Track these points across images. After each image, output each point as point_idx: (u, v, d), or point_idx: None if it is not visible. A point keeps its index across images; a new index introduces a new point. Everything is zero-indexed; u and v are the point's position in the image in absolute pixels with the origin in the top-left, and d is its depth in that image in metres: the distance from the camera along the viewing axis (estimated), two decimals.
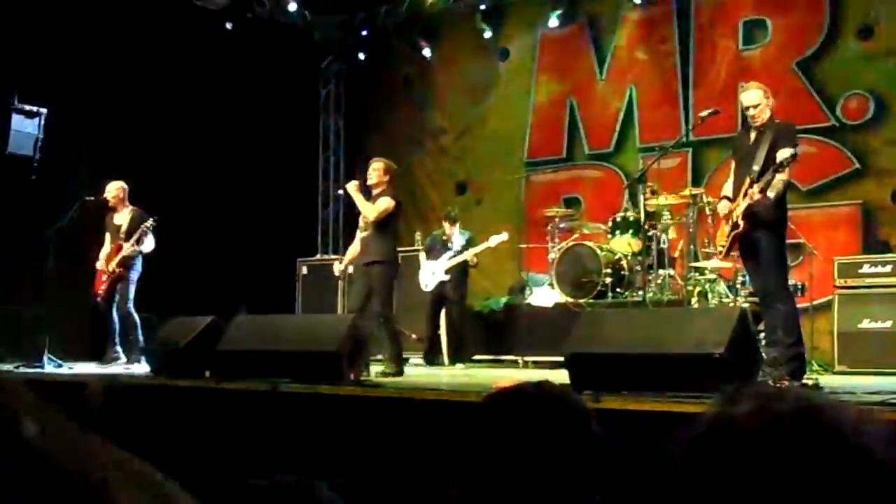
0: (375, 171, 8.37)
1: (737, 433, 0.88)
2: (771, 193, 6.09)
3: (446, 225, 10.39)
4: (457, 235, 10.30)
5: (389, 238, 8.30)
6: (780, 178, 6.11)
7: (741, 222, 6.22)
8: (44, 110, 9.93)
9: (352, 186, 8.34)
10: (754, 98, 6.42)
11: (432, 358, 10.16)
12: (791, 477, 0.83)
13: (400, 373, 8.08)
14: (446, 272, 10.09)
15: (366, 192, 8.36)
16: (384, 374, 7.84)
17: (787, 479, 0.83)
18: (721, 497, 0.85)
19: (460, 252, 10.14)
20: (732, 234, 6.31)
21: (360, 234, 8.52)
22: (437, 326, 10.29)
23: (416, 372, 9.16)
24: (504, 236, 10.10)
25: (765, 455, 0.85)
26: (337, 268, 9.05)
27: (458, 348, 10.27)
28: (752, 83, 6.70)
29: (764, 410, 0.89)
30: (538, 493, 1.53)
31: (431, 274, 10.19)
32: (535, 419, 1.60)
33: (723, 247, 6.43)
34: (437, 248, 10.31)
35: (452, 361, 10.15)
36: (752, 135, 6.43)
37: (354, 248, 8.64)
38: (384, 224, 8.20)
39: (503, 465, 1.56)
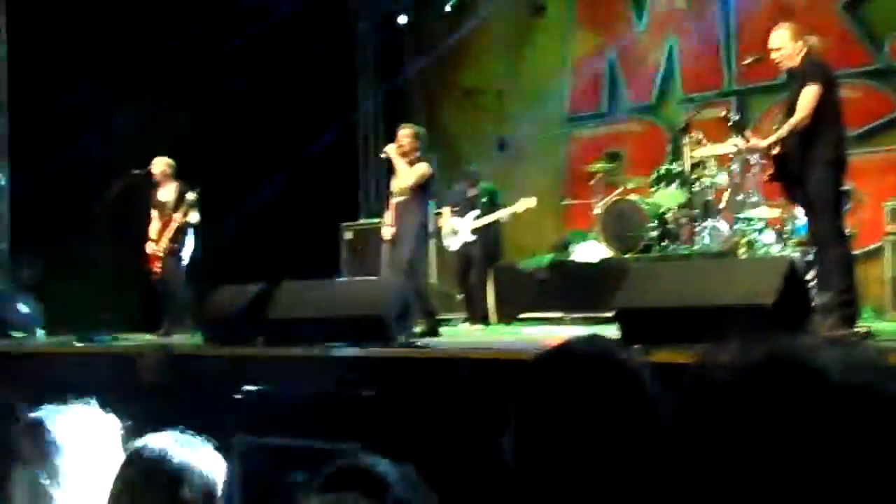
0: (406, 137, 8.41)
1: (711, 388, 0.88)
2: (768, 139, 5.99)
3: (466, 183, 10.18)
4: (482, 192, 10.05)
5: (421, 202, 8.37)
6: (791, 121, 5.93)
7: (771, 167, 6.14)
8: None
9: (392, 149, 8.38)
10: (775, 41, 6.21)
11: (473, 317, 9.82)
12: (765, 426, 0.83)
13: (433, 330, 8.06)
14: (473, 232, 9.85)
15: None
16: (420, 334, 7.81)
17: (762, 430, 0.83)
18: (702, 451, 0.86)
19: (487, 208, 9.89)
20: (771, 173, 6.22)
21: (393, 200, 8.54)
22: (469, 286, 10.00)
23: (460, 331, 9.20)
24: (532, 201, 9.85)
25: (737, 407, 0.86)
26: (387, 231, 8.94)
27: (502, 308, 10.19)
28: (782, 24, 6.40)
29: (735, 363, 0.89)
30: (593, 450, 1.54)
31: (456, 233, 9.94)
32: (588, 375, 1.61)
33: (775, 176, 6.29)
34: (461, 205, 10.02)
35: (489, 321, 9.97)
36: (792, 79, 6.28)
37: (392, 213, 8.66)
38: (418, 190, 8.26)
39: (557, 423, 1.56)
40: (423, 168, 8.26)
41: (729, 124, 6.46)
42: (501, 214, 9.90)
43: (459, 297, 10.19)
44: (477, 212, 9.90)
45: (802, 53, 6.13)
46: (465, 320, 9.83)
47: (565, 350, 1.72)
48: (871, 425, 0.81)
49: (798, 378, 0.85)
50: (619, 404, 1.59)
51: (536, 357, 1.72)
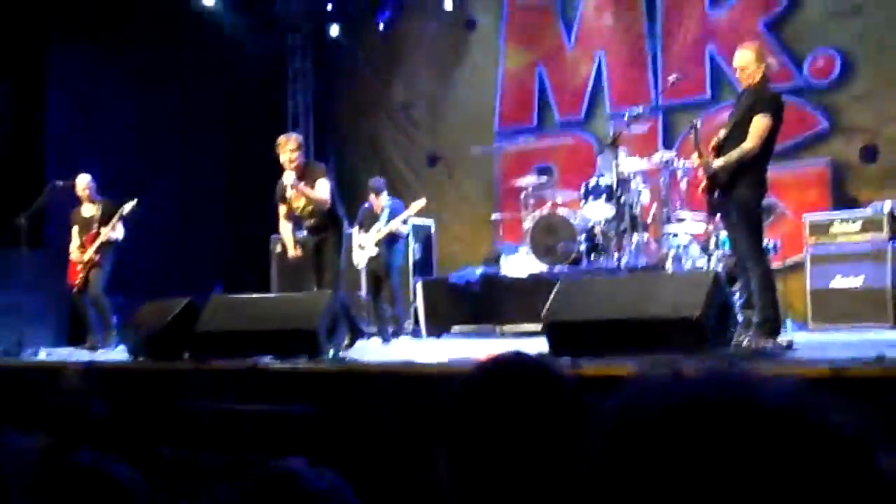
0: (291, 151, 8.13)
1: (640, 419, 0.87)
2: (719, 161, 6.09)
3: (371, 196, 10.05)
4: (385, 205, 9.97)
5: (337, 217, 8.33)
6: (744, 146, 6.06)
7: (704, 180, 6.25)
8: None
9: (291, 179, 8.16)
10: (740, 59, 6.35)
11: (386, 336, 9.52)
12: (695, 460, 0.82)
13: (351, 345, 7.95)
14: (376, 245, 9.82)
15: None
16: (346, 347, 7.65)
17: (693, 463, 0.82)
18: (632, 481, 0.85)
19: (388, 221, 9.84)
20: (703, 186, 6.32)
21: (306, 223, 8.42)
22: (380, 303, 9.92)
23: (389, 346, 9.14)
24: (421, 201, 9.89)
25: (668, 438, 0.85)
26: (292, 253, 8.66)
27: (433, 321, 10.17)
28: (746, 44, 6.56)
29: (655, 401, 0.88)
30: (528, 464, 1.55)
31: (361, 248, 9.92)
32: (521, 389, 1.61)
33: (710, 204, 6.39)
34: (367, 221, 9.99)
35: (405, 334, 9.96)
36: (743, 92, 6.41)
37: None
38: (331, 205, 8.20)
39: (490, 438, 1.57)
40: (325, 185, 8.17)
41: (693, 131, 6.52)
42: (396, 222, 9.86)
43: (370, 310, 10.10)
44: (380, 224, 9.88)
45: (760, 74, 6.27)
46: (372, 335, 9.48)
47: (498, 364, 1.72)
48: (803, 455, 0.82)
49: (733, 412, 0.84)
50: (551, 418, 1.60)
51: (469, 371, 1.72)
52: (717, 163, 6.09)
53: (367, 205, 10.16)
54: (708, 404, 0.85)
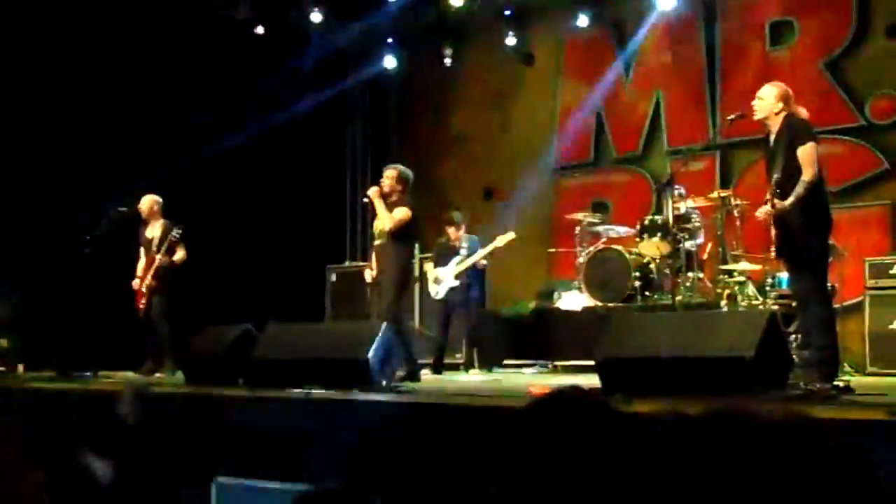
0: (389, 178, 8.36)
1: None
2: (790, 199, 6.02)
3: (451, 230, 10.09)
4: (464, 239, 10.04)
5: (402, 246, 8.29)
6: (803, 179, 6.02)
7: (772, 227, 6.18)
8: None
9: (374, 192, 8.36)
10: (762, 92, 6.34)
11: (440, 366, 9.68)
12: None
13: (413, 375, 8.01)
14: (456, 277, 9.85)
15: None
16: (401, 379, 7.78)
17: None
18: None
19: (468, 256, 9.89)
20: (775, 234, 6.23)
21: (375, 242, 8.55)
22: (447, 335, 9.95)
23: (442, 378, 9.15)
24: (511, 235, 9.82)
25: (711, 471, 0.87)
26: (368, 275, 8.97)
27: (484, 354, 10.17)
28: (776, 82, 6.50)
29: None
30: (581, 500, 1.56)
31: (437, 282, 9.95)
32: (578, 425, 1.62)
33: (777, 247, 6.31)
34: (444, 254, 10.06)
35: (474, 367, 9.90)
36: (772, 139, 6.36)
37: (374, 257, 8.70)
38: (399, 233, 8.20)
39: (546, 473, 1.58)
40: (402, 212, 8.18)
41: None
42: (482, 254, 9.88)
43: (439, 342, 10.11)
44: (459, 257, 9.90)
45: (783, 115, 6.22)
46: (434, 367, 9.61)
47: (555, 400, 1.73)
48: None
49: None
50: (607, 457, 1.61)
51: (526, 405, 1.73)
52: (790, 200, 6.02)
53: (442, 239, 10.20)
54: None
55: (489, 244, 9.90)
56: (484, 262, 9.97)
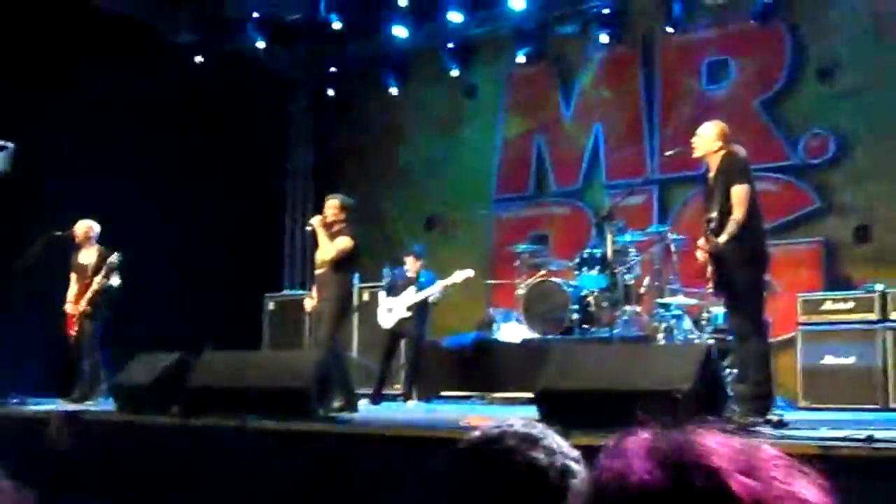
0: (332, 208, 8.33)
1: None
2: (723, 238, 6.11)
3: (409, 260, 10.08)
4: (421, 274, 9.99)
5: (343, 275, 8.26)
6: (733, 218, 6.12)
7: (709, 263, 6.26)
8: (11, 144, 9.82)
9: (317, 221, 8.32)
10: (700, 130, 6.50)
11: (378, 399, 9.52)
12: None
13: (350, 405, 7.95)
14: (408, 309, 9.81)
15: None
16: (339, 409, 7.72)
17: None
18: None
19: (424, 288, 9.86)
20: (710, 271, 6.31)
21: (316, 271, 8.49)
22: (390, 366, 9.90)
23: (373, 409, 9.05)
24: (469, 272, 9.87)
25: None
26: (308, 304, 8.88)
27: (423, 385, 10.12)
28: (717, 121, 6.63)
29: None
30: None
31: (389, 311, 9.92)
32: (509, 468, 1.61)
33: (714, 282, 6.38)
34: (399, 284, 10.02)
35: (412, 399, 9.81)
36: (710, 176, 6.47)
37: (315, 286, 8.63)
38: (340, 263, 8.17)
39: None
40: (344, 241, 8.15)
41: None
42: (439, 286, 9.84)
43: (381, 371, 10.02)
44: (414, 289, 9.85)
45: (722, 154, 6.34)
46: (373, 397, 9.45)
47: (496, 435, 1.70)
48: None
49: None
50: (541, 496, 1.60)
51: (468, 441, 1.70)
52: (723, 238, 6.12)
53: (398, 269, 10.18)
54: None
55: (444, 279, 9.87)
56: (438, 296, 9.94)
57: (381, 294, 10.23)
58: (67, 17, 10.91)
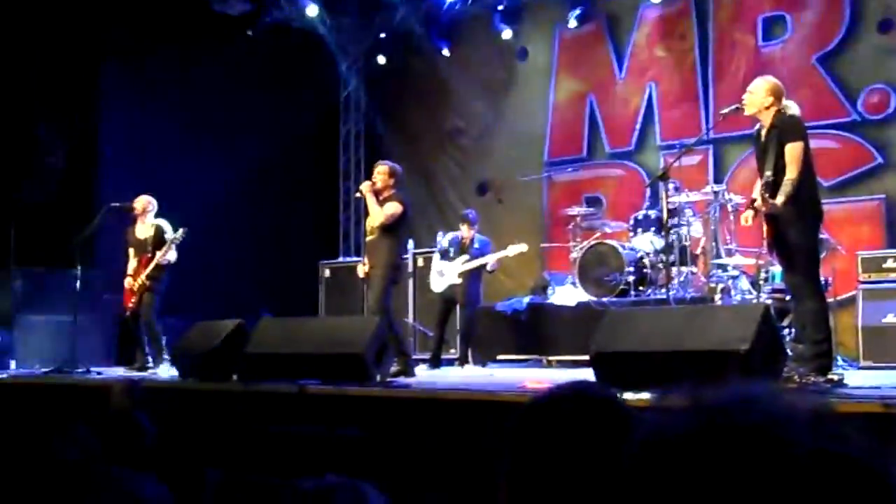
0: (380, 174, 8.32)
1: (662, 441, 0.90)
2: (779, 199, 6.01)
3: (464, 227, 10.02)
4: (476, 240, 9.93)
5: (393, 242, 8.25)
6: (788, 177, 6.02)
7: (764, 223, 6.19)
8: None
9: (365, 187, 8.32)
10: (752, 86, 6.37)
11: (437, 363, 9.61)
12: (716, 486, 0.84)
13: (408, 370, 8.02)
14: (459, 275, 9.74)
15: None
16: (395, 374, 7.76)
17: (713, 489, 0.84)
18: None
19: (477, 256, 9.77)
20: (765, 230, 6.23)
21: (367, 238, 8.51)
22: (444, 331, 9.88)
23: (431, 374, 9.11)
24: (523, 247, 9.75)
25: (689, 465, 0.87)
26: (361, 270, 8.93)
27: (479, 349, 10.14)
28: (768, 76, 6.52)
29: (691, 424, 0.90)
30: (589, 493, 1.55)
31: (441, 275, 9.87)
32: (586, 419, 1.61)
33: (769, 242, 6.30)
34: (453, 250, 9.96)
35: (468, 363, 9.80)
36: (763, 133, 6.36)
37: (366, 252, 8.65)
38: (390, 228, 8.17)
39: (552, 468, 1.56)
40: (393, 207, 8.15)
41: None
42: (491, 258, 9.77)
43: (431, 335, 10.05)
44: (468, 256, 9.81)
45: (774, 111, 6.23)
46: (431, 362, 9.58)
47: (561, 394, 1.71)
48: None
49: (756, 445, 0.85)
50: (613, 452, 1.59)
51: (531, 400, 1.71)
52: (779, 199, 6.02)
53: (454, 235, 10.09)
54: (726, 432, 0.87)
55: (499, 250, 9.81)
56: (492, 266, 9.90)
57: (435, 257, 10.21)
58: None
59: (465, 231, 10.03)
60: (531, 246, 10.73)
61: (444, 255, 10.02)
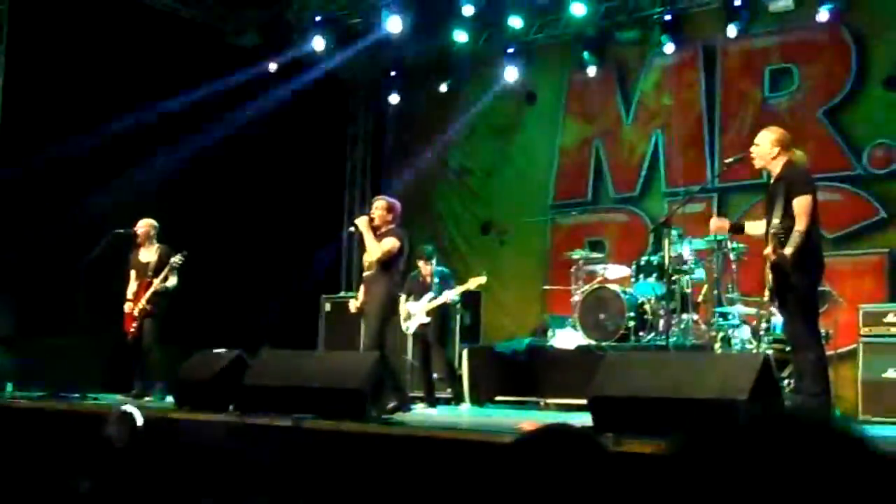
0: (378, 209, 8.22)
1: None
2: (788, 249, 6.04)
3: (421, 264, 9.87)
4: (435, 274, 9.84)
5: (390, 277, 8.17)
6: (797, 229, 6.05)
7: (768, 271, 6.20)
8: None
9: (362, 222, 8.22)
10: (759, 139, 6.44)
11: (433, 401, 9.54)
12: None
13: (403, 406, 7.96)
14: (427, 314, 9.66)
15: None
16: (390, 411, 7.69)
17: None
18: None
19: (440, 291, 9.71)
20: (771, 278, 6.23)
21: (364, 273, 8.47)
22: (430, 370, 9.80)
23: (426, 413, 9.06)
24: (482, 279, 9.73)
25: None
26: (353, 305, 8.81)
27: (475, 388, 10.09)
28: (773, 128, 6.60)
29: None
30: None
31: (410, 317, 9.74)
32: (565, 462, 1.62)
33: (771, 290, 6.31)
34: (416, 290, 9.82)
35: (464, 401, 9.83)
36: (772, 181, 6.40)
37: (363, 287, 8.60)
38: (387, 264, 8.10)
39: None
40: (390, 242, 8.06)
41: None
42: (453, 294, 9.74)
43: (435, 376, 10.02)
44: (431, 294, 9.74)
45: (783, 161, 6.28)
46: (428, 401, 9.50)
47: (543, 435, 1.72)
48: None
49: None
50: (593, 494, 1.60)
51: (514, 440, 1.72)
52: (788, 250, 6.05)
53: (414, 272, 9.95)
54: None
55: (461, 284, 9.78)
56: (455, 297, 9.83)
57: (402, 300, 10.04)
58: (133, 18, 11.14)
59: (423, 267, 9.90)
60: (533, 288, 10.74)
61: (408, 295, 9.83)
